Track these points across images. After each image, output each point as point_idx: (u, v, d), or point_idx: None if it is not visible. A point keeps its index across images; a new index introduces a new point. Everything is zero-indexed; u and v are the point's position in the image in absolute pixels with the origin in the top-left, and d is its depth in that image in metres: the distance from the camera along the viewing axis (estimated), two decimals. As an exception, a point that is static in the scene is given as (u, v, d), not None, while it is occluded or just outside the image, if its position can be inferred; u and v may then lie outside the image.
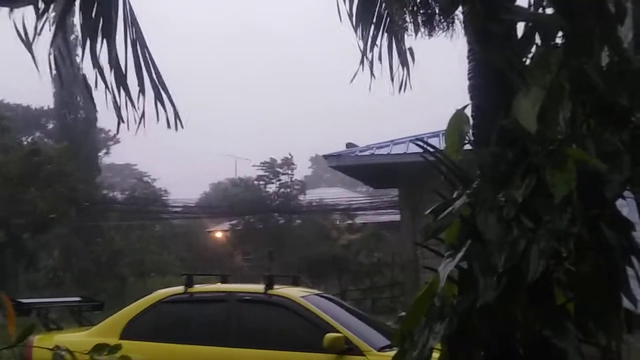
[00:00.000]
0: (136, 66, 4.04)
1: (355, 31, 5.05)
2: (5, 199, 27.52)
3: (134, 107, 4.03)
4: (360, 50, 5.03)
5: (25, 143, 33.16)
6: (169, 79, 4.22)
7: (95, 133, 38.91)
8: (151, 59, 4.09)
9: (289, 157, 38.19)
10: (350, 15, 5.02)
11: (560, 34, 2.61)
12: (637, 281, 2.60)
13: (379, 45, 5.11)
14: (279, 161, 37.97)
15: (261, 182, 38.32)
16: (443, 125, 2.99)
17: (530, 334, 2.56)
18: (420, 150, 3.08)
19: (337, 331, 7.70)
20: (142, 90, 4.03)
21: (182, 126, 4.15)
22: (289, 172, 38.16)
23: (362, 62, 5.07)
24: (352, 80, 5.11)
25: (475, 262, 2.66)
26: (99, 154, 41.04)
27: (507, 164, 2.66)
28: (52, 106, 39.80)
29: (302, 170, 47.27)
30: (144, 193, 38.05)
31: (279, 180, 37.98)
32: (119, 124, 4.07)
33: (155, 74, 4.09)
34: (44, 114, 46.82)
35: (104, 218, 35.09)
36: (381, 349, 7.70)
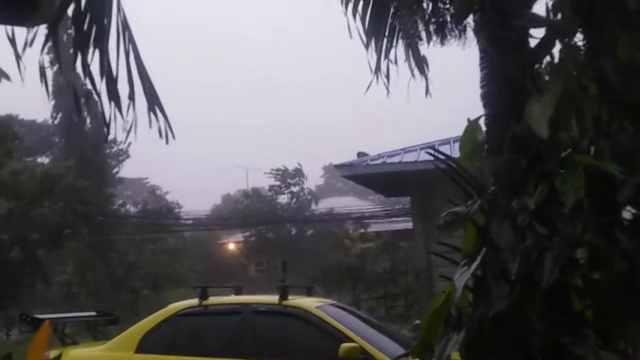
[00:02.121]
0: (128, 76, 4.03)
1: (368, 45, 5.07)
2: (20, 216, 27.68)
3: (123, 118, 4.03)
4: (370, 64, 5.04)
5: (38, 160, 33.39)
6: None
7: (103, 147, 38.98)
8: (143, 68, 4.08)
9: (299, 166, 38.27)
10: (363, 26, 5.03)
11: (579, 37, 2.60)
12: None
13: (394, 55, 5.12)
14: (290, 171, 38.05)
15: (273, 193, 38.37)
16: (453, 133, 2.99)
17: (549, 342, 2.55)
18: (432, 158, 3.08)
19: (353, 341, 7.68)
20: (132, 100, 4.02)
21: (173, 137, 4.13)
22: (300, 182, 38.21)
23: (376, 71, 5.07)
24: (366, 92, 5.12)
25: (490, 271, 2.66)
26: (114, 169, 41.21)
27: (521, 171, 2.65)
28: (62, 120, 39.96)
29: (314, 179, 47.35)
30: (157, 206, 38.16)
31: (290, 190, 38.03)
32: (107, 134, 4.07)
33: (147, 83, 4.07)
34: (54, 128, 47.05)
35: (118, 232, 35.21)
36: (397, 358, 7.68)
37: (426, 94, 5.29)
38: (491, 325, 2.61)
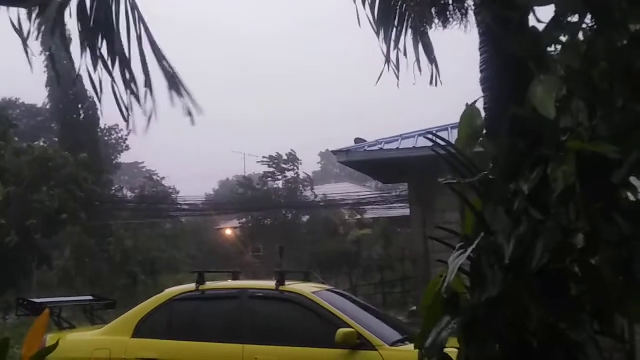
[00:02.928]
0: (142, 60, 3.95)
1: (378, 34, 5.02)
2: (17, 201, 27.67)
3: (139, 102, 3.94)
4: (383, 52, 5.00)
5: (36, 144, 33.29)
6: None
7: (97, 133, 38.81)
8: (158, 48, 4.00)
9: (293, 153, 38.20)
10: (372, 15, 4.99)
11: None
12: None
13: (403, 44, 5.09)
14: (285, 156, 38.00)
15: (268, 179, 38.35)
16: (451, 119, 2.98)
17: (544, 327, 2.55)
18: (430, 144, 3.06)
19: (349, 326, 7.69)
20: (149, 85, 3.94)
21: (200, 113, 4.04)
22: (295, 167, 38.18)
23: (387, 60, 5.03)
24: (377, 82, 5.09)
25: (484, 255, 2.65)
26: (112, 156, 41.16)
27: (519, 155, 2.64)
28: (60, 106, 39.82)
29: (311, 165, 47.33)
30: (154, 191, 38.15)
31: (285, 176, 38.00)
32: (128, 121, 3.98)
33: (165, 62, 3.99)
34: (51, 112, 46.90)
35: (115, 217, 35.21)
36: (393, 344, 7.70)
37: (432, 82, 5.25)
38: (485, 310, 2.61)
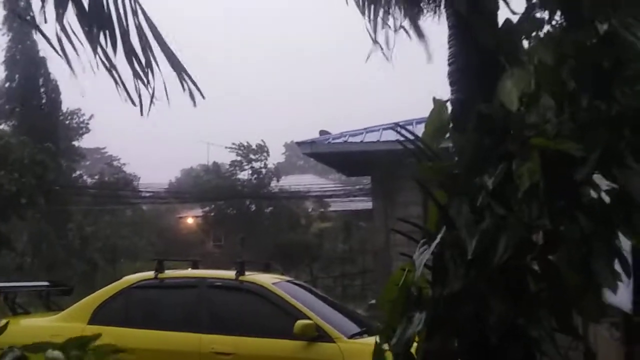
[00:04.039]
0: (141, 41, 3.81)
1: (362, 13, 4.92)
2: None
3: (146, 86, 3.82)
4: (370, 32, 4.87)
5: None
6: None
7: (58, 117, 38.08)
8: (158, 32, 3.88)
9: (262, 143, 38.08)
10: None
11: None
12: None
13: (390, 25, 4.98)
14: (253, 146, 37.84)
15: (234, 168, 38.16)
16: (417, 114, 2.97)
17: (504, 323, 2.56)
18: (395, 138, 3.05)
19: (308, 318, 7.69)
20: (149, 66, 3.81)
21: (203, 97, 3.95)
22: (263, 158, 38.06)
23: (375, 41, 4.92)
24: (367, 60, 4.98)
25: (447, 250, 2.65)
26: (72, 141, 40.49)
27: (485, 150, 2.64)
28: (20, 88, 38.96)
29: (275, 156, 47.20)
30: (114, 178, 37.71)
31: (252, 167, 37.87)
32: (141, 104, 3.83)
33: (166, 46, 3.88)
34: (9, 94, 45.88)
35: (75, 203, 34.72)
36: (352, 336, 7.72)
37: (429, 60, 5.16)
38: (447, 305, 2.61)
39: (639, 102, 2.51)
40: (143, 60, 3.78)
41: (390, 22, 5.08)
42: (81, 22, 3.63)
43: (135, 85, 3.78)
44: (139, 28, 3.80)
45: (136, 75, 3.75)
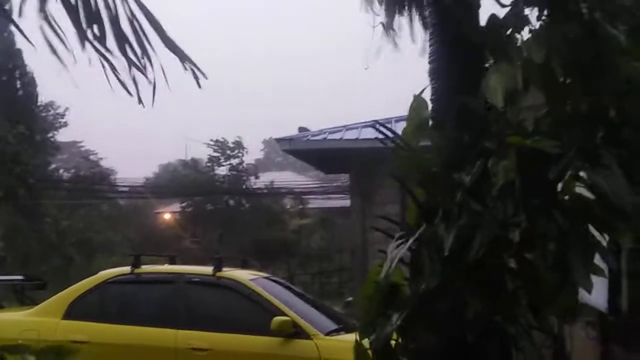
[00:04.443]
0: (132, 26, 3.73)
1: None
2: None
3: (145, 75, 3.74)
4: (384, 25, 4.82)
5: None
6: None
7: (34, 110, 37.64)
8: (152, 15, 3.80)
9: (239, 139, 37.97)
10: None
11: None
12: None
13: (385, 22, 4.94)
14: (230, 144, 37.71)
15: (212, 164, 38.01)
16: (396, 112, 2.97)
17: (481, 319, 2.57)
18: (374, 136, 3.05)
19: (285, 314, 7.68)
20: (146, 54, 3.72)
21: (205, 77, 3.88)
22: (240, 154, 37.94)
23: (387, 33, 4.87)
24: (375, 56, 4.95)
25: (424, 247, 2.66)
26: (48, 134, 40.04)
27: (463, 147, 2.65)
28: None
29: (254, 153, 47.05)
30: (90, 172, 37.38)
31: (230, 163, 37.74)
32: (138, 95, 3.75)
33: (161, 30, 3.80)
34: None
35: (50, 196, 34.38)
36: (328, 333, 7.72)
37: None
38: (423, 301, 2.62)
39: (615, 99, 2.52)
40: (138, 50, 3.71)
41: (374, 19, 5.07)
42: (67, 9, 3.56)
43: (131, 75, 3.71)
44: (131, 14, 3.72)
45: (132, 63, 3.68)
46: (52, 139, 40.23)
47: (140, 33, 3.69)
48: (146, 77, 3.67)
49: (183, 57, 3.78)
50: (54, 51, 3.53)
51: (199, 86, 3.78)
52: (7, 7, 3.86)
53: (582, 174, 2.50)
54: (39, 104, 37.81)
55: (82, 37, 3.55)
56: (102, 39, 3.62)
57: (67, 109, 41.21)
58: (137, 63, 3.65)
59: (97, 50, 3.60)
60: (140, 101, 3.73)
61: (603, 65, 2.51)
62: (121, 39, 3.64)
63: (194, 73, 3.75)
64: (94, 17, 3.60)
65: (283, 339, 7.55)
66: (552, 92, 2.50)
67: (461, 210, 2.59)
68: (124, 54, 3.65)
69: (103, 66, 3.64)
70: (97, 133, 64.00)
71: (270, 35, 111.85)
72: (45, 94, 37.48)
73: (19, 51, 32.06)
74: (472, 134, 2.63)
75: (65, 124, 42.04)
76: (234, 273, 8.53)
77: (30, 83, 35.38)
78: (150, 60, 3.73)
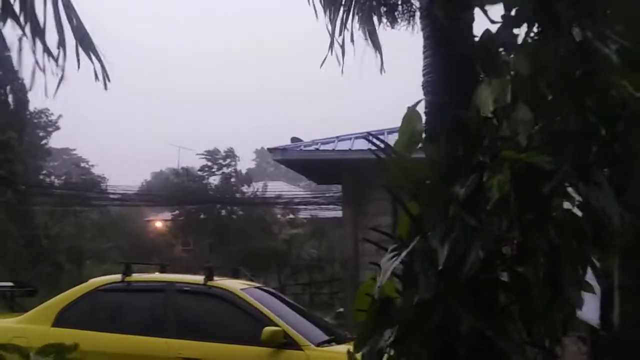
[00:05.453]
0: (56, 19, 3.71)
1: (324, 12, 4.93)
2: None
3: (55, 60, 3.71)
4: (329, 31, 4.89)
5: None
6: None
7: (25, 116, 37.49)
8: (72, 8, 3.78)
9: (231, 149, 38.00)
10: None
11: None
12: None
13: (349, 29, 5.01)
14: (222, 153, 37.73)
15: (204, 173, 38.00)
16: (390, 124, 2.98)
17: (474, 334, 2.57)
18: (367, 147, 3.06)
19: (276, 325, 7.66)
20: (62, 44, 3.71)
21: (109, 80, 3.87)
22: (233, 164, 37.96)
23: (331, 46, 4.95)
24: (321, 66, 5.01)
25: (418, 259, 2.66)
26: (42, 141, 39.94)
27: (456, 161, 2.65)
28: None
29: (246, 163, 47.09)
30: (82, 179, 37.29)
31: (222, 172, 37.74)
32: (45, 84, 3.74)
33: (78, 23, 3.78)
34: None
35: (40, 203, 34.25)
36: (319, 344, 7.71)
37: (381, 71, 5.23)
38: (417, 314, 2.61)
39: (607, 117, 2.54)
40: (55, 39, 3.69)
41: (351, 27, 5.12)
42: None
43: (39, 63, 3.67)
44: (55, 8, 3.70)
45: (46, 51, 3.65)
46: (44, 145, 40.15)
47: (56, 20, 3.66)
48: (57, 63, 3.64)
49: (90, 53, 3.74)
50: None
51: (105, 87, 3.77)
52: None
53: (569, 190, 2.51)
54: (31, 110, 37.70)
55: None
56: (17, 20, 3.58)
57: (60, 116, 41.14)
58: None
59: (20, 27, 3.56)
60: (45, 91, 3.72)
61: (595, 83, 2.52)
62: (35, 23, 3.61)
63: (102, 74, 3.73)
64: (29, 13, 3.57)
65: (274, 349, 7.52)
66: (539, 107, 2.51)
67: (454, 223, 2.59)
68: (40, 38, 3.62)
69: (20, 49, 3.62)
70: (90, 140, 63.87)
71: (265, 45, 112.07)
72: (38, 101, 37.37)
73: (9, 57, 31.97)
74: (466, 147, 2.64)
75: (58, 128, 41.99)
76: (225, 282, 8.51)
77: (20, 89, 35.25)
78: (64, 49, 3.69)
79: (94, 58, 3.78)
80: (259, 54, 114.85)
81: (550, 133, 2.50)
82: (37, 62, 3.64)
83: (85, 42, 3.76)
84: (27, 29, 3.67)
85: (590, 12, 2.51)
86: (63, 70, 3.70)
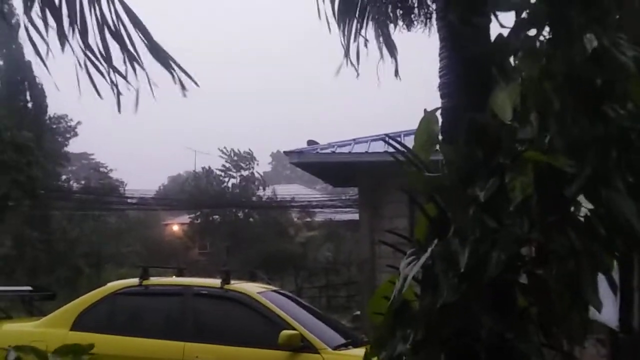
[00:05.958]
0: (113, 30, 3.66)
1: (339, 26, 4.95)
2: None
3: (125, 78, 3.66)
4: (343, 44, 4.90)
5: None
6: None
7: (44, 121, 37.74)
8: (140, 22, 3.72)
9: (250, 152, 38.09)
10: (332, 7, 4.91)
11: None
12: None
13: (364, 36, 5.01)
14: (242, 153, 37.85)
15: (222, 175, 38.09)
16: (406, 126, 2.97)
17: (493, 336, 2.55)
18: (383, 150, 3.05)
19: (293, 328, 7.66)
20: (133, 59, 3.66)
21: (197, 85, 3.82)
22: (251, 166, 38.05)
23: (346, 53, 4.96)
24: (337, 73, 5.01)
25: (438, 262, 2.64)
26: (62, 146, 40.23)
27: (474, 163, 2.64)
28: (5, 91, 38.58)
29: (262, 166, 47.20)
30: (100, 183, 37.53)
31: (240, 174, 37.84)
32: (118, 100, 3.69)
33: (149, 36, 3.72)
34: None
35: (59, 207, 34.47)
36: (336, 348, 7.70)
37: (396, 75, 5.23)
38: (438, 317, 2.60)
39: (628, 123, 2.51)
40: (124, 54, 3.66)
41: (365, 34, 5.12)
42: (52, 14, 3.50)
43: (113, 80, 3.64)
44: (117, 19, 3.66)
45: (114, 69, 3.62)
46: (62, 150, 40.44)
47: (125, 37, 3.63)
48: (126, 80, 3.61)
49: (167, 64, 3.71)
50: (37, 52, 3.49)
51: (184, 94, 3.73)
52: (13, 21, 3.85)
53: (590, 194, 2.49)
54: (50, 115, 38.01)
55: (62, 36, 3.48)
56: (84, 37, 3.55)
57: (78, 122, 41.42)
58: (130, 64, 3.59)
59: (84, 53, 3.53)
60: (119, 107, 3.69)
61: (613, 91, 2.50)
62: (104, 41, 3.58)
63: (181, 81, 3.69)
64: (75, 15, 3.53)
65: (290, 352, 7.52)
66: (548, 112, 2.50)
67: (475, 225, 2.57)
68: (107, 57, 3.58)
69: (83, 66, 3.58)
70: (109, 145, 64.27)
71: (281, 49, 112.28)
72: (57, 106, 37.61)
73: (29, 63, 32.16)
74: (484, 149, 2.62)
75: (76, 134, 42.30)
76: (242, 286, 8.53)
77: (39, 95, 35.53)
78: (133, 66, 3.66)
79: (175, 68, 3.74)
80: (270, 55, 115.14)
81: (570, 137, 2.48)
82: (112, 83, 3.60)
83: (160, 54, 3.71)
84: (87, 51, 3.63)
85: (600, 19, 2.49)
86: (138, 86, 3.65)
